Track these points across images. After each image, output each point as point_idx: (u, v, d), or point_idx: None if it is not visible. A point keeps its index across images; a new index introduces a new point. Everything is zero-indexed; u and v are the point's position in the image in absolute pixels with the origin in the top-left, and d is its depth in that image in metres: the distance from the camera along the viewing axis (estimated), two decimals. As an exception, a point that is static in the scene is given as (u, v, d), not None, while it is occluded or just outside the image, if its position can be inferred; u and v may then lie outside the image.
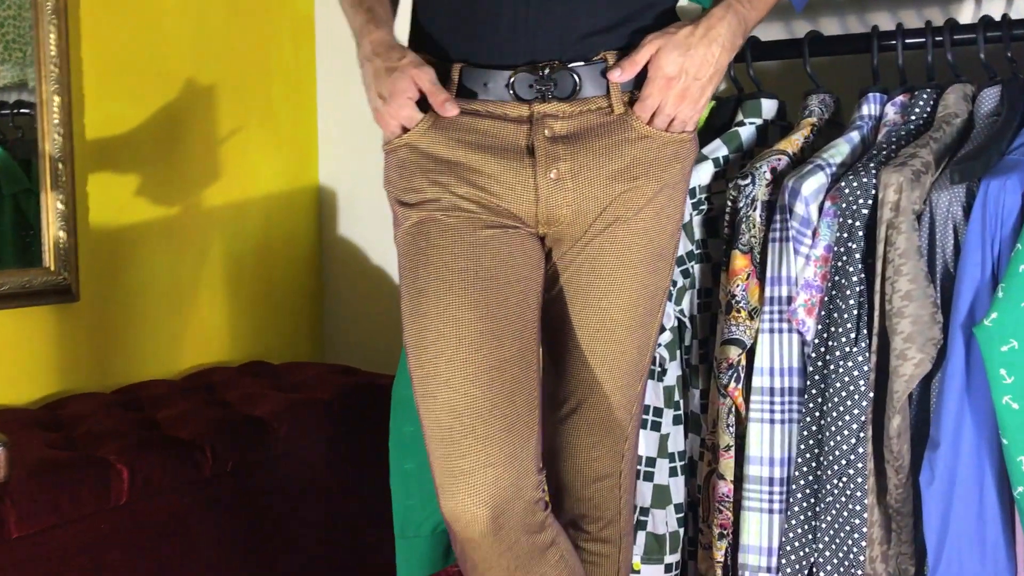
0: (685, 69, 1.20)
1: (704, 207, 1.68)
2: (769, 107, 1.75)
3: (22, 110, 2.02)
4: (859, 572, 1.48)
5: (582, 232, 1.27)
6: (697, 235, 1.69)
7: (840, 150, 1.59)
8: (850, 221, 1.50)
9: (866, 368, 1.46)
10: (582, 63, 1.22)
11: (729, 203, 1.62)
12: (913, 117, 1.59)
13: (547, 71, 1.21)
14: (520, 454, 1.14)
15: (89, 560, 1.54)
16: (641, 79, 1.23)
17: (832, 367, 1.49)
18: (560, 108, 1.22)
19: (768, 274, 1.57)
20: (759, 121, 1.74)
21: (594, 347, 1.31)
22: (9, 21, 2.00)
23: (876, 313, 1.47)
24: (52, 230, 2.06)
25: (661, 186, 1.27)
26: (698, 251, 1.69)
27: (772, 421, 1.58)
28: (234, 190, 2.50)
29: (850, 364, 1.47)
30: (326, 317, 2.76)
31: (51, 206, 2.06)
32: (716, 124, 1.78)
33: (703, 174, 1.67)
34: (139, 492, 1.62)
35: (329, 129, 2.76)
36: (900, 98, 1.64)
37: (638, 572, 1.68)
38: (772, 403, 1.58)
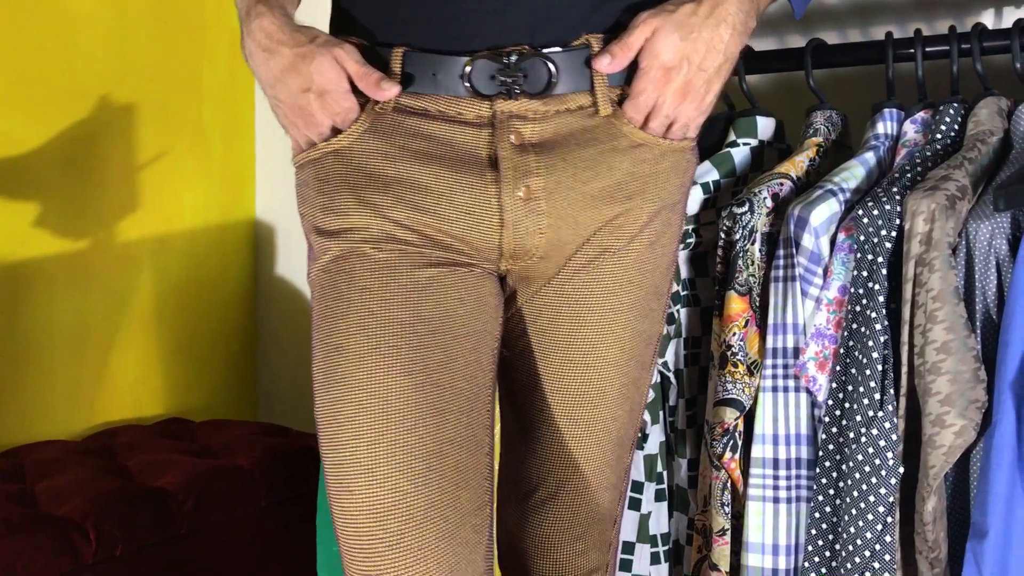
0: (687, 57, 0.93)
1: (691, 240, 1.42)
2: (765, 126, 1.50)
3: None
4: None
5: (558, 268, 0.99)
6: (683, 274, 1.42)
7: (854, 173, 1.34)
8: (870, 257, 1.24)
9: (894, 437, 1.19)
10: (559, 49, 0.95)
11: (723, 235, 1.35)
12: (939, 136, 1.34)
13: (514, 58, 0.94)
14: (465, 569, 0.86)
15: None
16: (633, 72, 0.96)
17: (851, 435, 1.21)
18: (531, 107, 0.95)
19: (771, 321, 1.30)
20: (754, 142, 1.48)
21: (577, 415, 1.02)
22: None
23: (904, 369, 1.21)
24: (-73, 264, 1.76)
25: (658, 208, 1.00)
26: (684, 292, 1.42)
27: (776, 500, 1.30)
28: (155, 222, 2.21)
29: (874, 432, 1.19)
30: (260, 368, 2.46)
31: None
32: (703, 145, 1.52)
33: (690, 202, 1.41)
34: (109, 551, 1.31)
35: (268, 156, 2.48)
36: (921, 115, 1.39)
37: None
38: (776, 477, 1.30)
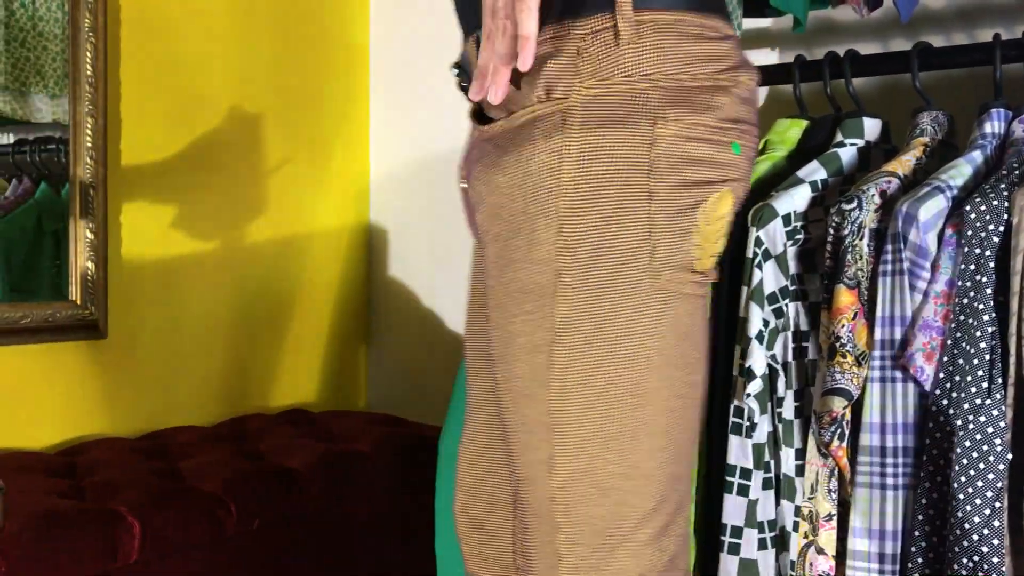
0: None
1: (799, 237, 1.47)
2: (872, 127, 1.54)
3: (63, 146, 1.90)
4: (995, 673, 1.23)
5: None
6: (792, 269, 1.47)
7: (961, 171, 1.37)
8: (978, 251, 1.27)
9: (1002, 424, 1.22)
10: None
11: (832, 231, 1.40)
12: (1048, 134, 1.37)
13: None
14: None
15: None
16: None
17: (959, 422, 1.25)
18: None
19: (879, 313, 1.35)
20: (860, 142, 1.53)
21: None
22: (48, 43, 1.89)
23: (1012, 359, 1.24)
24: (80, 261, 1.92)
25: None
26: (793, 287, 1.47)
27: (884, 487, 1.34)
28: (278, 226, 2.35)
29: (983, 419, 1.23)
30: (372, 364, 2.58)
31: (80, 235, 1.92)
32: (811, 145, 1.57)
33: (799, 199, 1.46)
34: (151, 550, 1.43)
35: (381, 165, 2.60)
36: (1030, 113, 1.42)
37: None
38: (884, 465, 1.34)
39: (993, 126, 1.44)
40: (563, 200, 0.85)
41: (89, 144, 1.91)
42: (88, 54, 1.89)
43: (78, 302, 1.92)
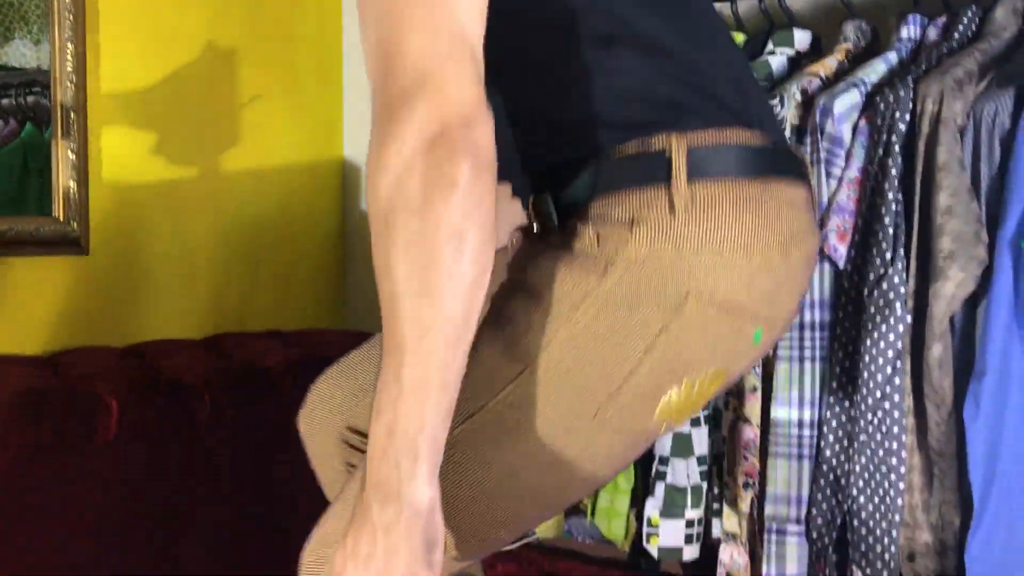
0: None
1: (730, 136, 1.58)
2: (802, 38, 1.65)
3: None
4: (896, 518, 1.35)
5: None
6: (722, 166, 1.58)
7: (876, 69, 1.48)
8: (886, 137, 1.39)
9: (902, 290, 1.34)
10: None
11: (755, 126, 1.51)
12: (956, 35, 1.48)
13: None
14: None
15: (69, 495, 1.46)
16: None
17: (866, 291, 1.37)
18: None
19: (797, 200, 1.46)
20: (791, 51, 1.64)
21: None
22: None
23: (915, 233, 1.36)
24: (62, 179, 2.02)
25: None
26: (723, 183, 1.58)
27: (802, 359, 1.46)
28: (254, 158, 2.45)
29: (884, 286, 1.35)
30: (348, 294, 2.69)
31: (62, 155, 2.01)
32: (747, 56, 1.68)
33: (728, 100, 1.57)
34: (128, 430, 1.54)
35: (355, 102, 2.70)
36: (942, 20, 1.53)
37: (656, 526, 1.55)
38: (802, 339, 1.46)
39: (909, 31, 1.55)
40: (565, 328, 0.87)
41: (69, 68, 2.01)
42: (66, -17, 1.98)
43: (61, 219, 2.02)
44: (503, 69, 0.86)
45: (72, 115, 2.02)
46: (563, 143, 0.91)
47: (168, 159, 2.27)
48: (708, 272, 0.85)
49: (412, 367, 0.76)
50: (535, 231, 0.95)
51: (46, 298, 2.02)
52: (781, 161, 0.90)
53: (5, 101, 2.15)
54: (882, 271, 1.35)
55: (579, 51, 0.88)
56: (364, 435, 1.18)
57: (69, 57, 2.00)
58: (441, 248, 0.75)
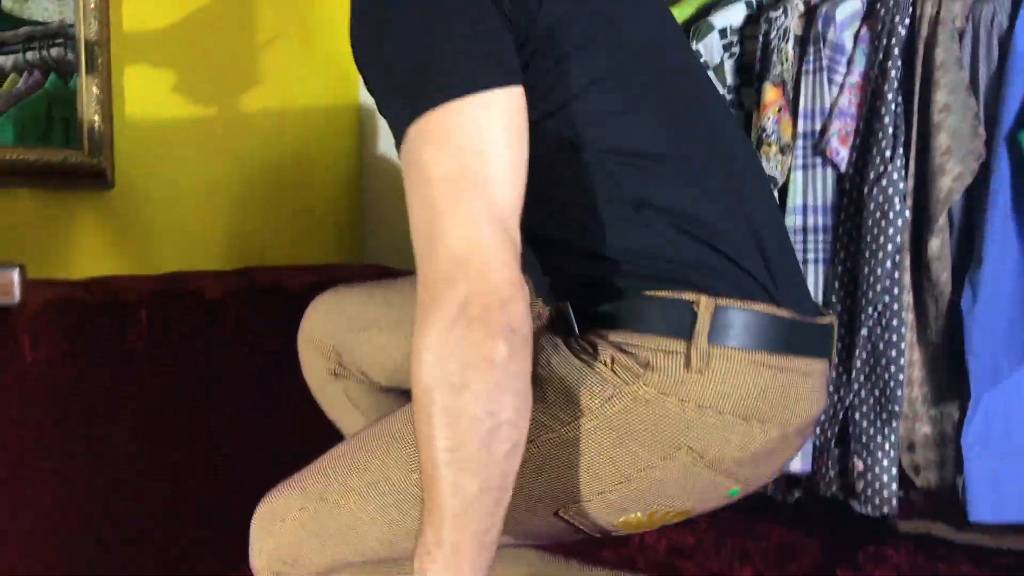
0: None
1: (735, 50, 1.62)
2: (806, -44, 1.68)
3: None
4: (896, 408, 1.39)
5: None
6: (729, 80, 1.62)
7: (878, -22, 1.52)
8: (886, 41, 1.42)
9: (901, 186, 1.38)
10: None
11: (760, 38, 1.55)
12: (957, -56, 1.51)
13: None
14: None
15: (100, 396, 1.53)
16: None
17: (866, 190, 1.41)
18: None
19: (801, 108, 1.50)
20: (795, -31, 1.67)
21: None
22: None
23: (915, 133, 1.40)
24: (87, 113, 2.08)
25: None
26: (730, 96, 1.62)
27: (806, 262, 1.51)
28: (272, 99, 2.50)
29: (884, 183, 1.39)
30: (366, 235, 2.75)
31: (87, 89, 2.07)
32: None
33: (734, 15, 1.61)
34: (157, 339, 1.60)
35: (369, 47, 2.75)
36: (944, -69, 1.56)
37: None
38: (805, 243, 1.51)
39: (910, -56, 1.58)
40: (555, 433, 0.90)
41: (92, 6, 2.06)
42: (89, -79, 2.03)
43: (86, 152, 2.08)
44: (537, 206, 0.87)
45: (96, 49, 2.08)
46: (592, 276, 0.93)
47: (189, 98, 2.32)
48: (705, 431, 0.88)
49: (453, 533, 0.82)
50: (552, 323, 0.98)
51: (74, 230, 2.08)
52: (803, 337, 0.91)
53: (30, 54, 2.22)
54: (881, 169, 1.39)
55: (611, 210, 0.90)
56: (342, 363, 1.28)
57: (93, -6, 2.05)
58: (478, 426, 0.79)
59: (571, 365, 0.91)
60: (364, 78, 0.89)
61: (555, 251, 0.95)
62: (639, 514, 0.95)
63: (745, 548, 1.84)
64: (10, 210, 1.96)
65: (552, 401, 0.91)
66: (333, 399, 1.27)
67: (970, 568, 1.72)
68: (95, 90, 2.09)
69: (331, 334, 1.27)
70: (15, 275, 1.43)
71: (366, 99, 2.75)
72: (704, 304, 0.87)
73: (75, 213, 2.07)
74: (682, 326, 0.88)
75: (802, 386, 0.91)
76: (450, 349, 0.79)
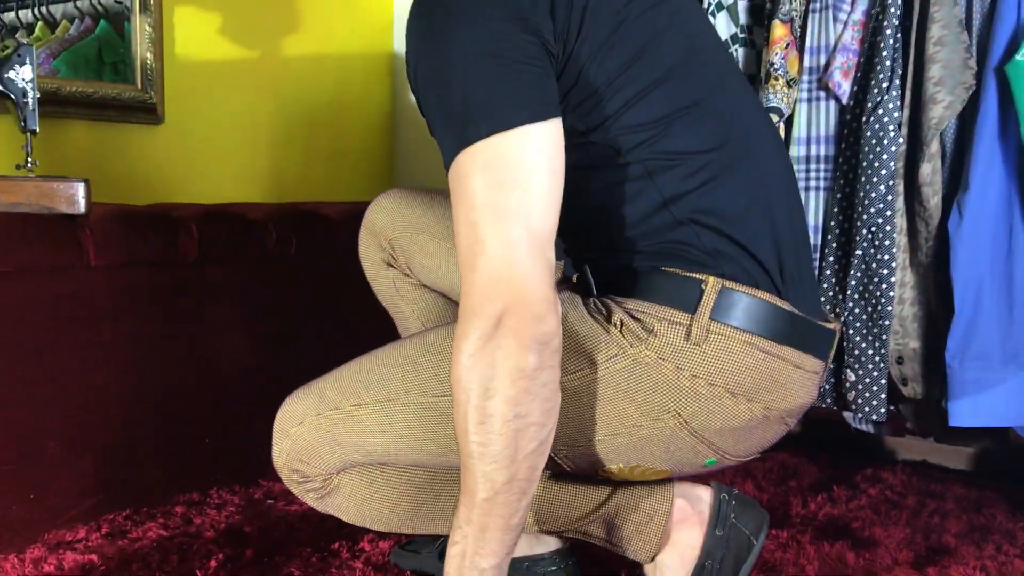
0: None
1: (748, -9, 1.72)
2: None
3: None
4: (887, 323, 1.50)
5: None
6: (742, 19, 1.72)
7: (883, -76, 1.61)
8: (888, -19, 1.52)
9: (896, 115, 1.49)
10: None
11: (771, -22, 1.65)
12: None
13: None
14: None
15: (157, 302, 1.67)
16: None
17: (864, 118, 1.51)
18: None
19: (808, 44, 1.60)
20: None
21: None
22: None
23: (911, 67, 1.50)
24: (140, 51, 2.21)
25: None
26: (742, 35, 1.73)
27: (807, 189, 1.61)
28: (310, 45, 2.63)
29: (880, 112, 1.49)
30: (397, 176, 2.88)
31: (140, 28, 2.21)
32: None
33: (748, -42, 1.71)
34: (207, 253, 1.74)
35: (404, 2, 2.86)
36: None
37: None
38: (808, 171, 1.61)
39: None
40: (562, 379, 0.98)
41: (146, -51, 2.20)
42: None
43: (139, 87, 2.22)
44: (577, 202, 0.98)
45: (149, -8, 2.21)
46: (616, 255, 1.03)
47: (233, 41, 2.46)
48: (695, 400, 0.98)
49: (483, 515, 0.94)
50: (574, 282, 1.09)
51: (126, 161, 2.23)
52: (801, 332, 1.00)
53: (81, 2, 2.36)
54: (879, 99, 1.49)
55: (641, 205, 1.00)
56: (394, 255, 1.39)
57: (146, -61, 2.18)
58: (507, 426, 0.90)
59: (584, 322, 1.01)
60: (419, 104, 0.98)
61: (586, 236, 1.05)
62: (621, 466, 1.06)
63: (749, 467, 1.96)
64: (68, 139, 2.10)
65: (563, 354, 0.99)
66: (382, 285, 1.40)
67: (960, 488, 1.83)
68: (148, 29, 2.23)
69: (391, 227, 1.37)
70: (81, 188, 1.58)
71: (400, 47, 2.87)
72: (712, 284, 0.96)
73: (127, 145, 2.22)
74: (689, 301, 0.97)
75: (792, 375, 0.99)
76: (486, 357, 0.89)
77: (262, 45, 2.52)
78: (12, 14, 2.23)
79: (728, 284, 0.97)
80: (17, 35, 2.16)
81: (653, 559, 1.16)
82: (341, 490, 1.14)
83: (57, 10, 2.27)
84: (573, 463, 1.09)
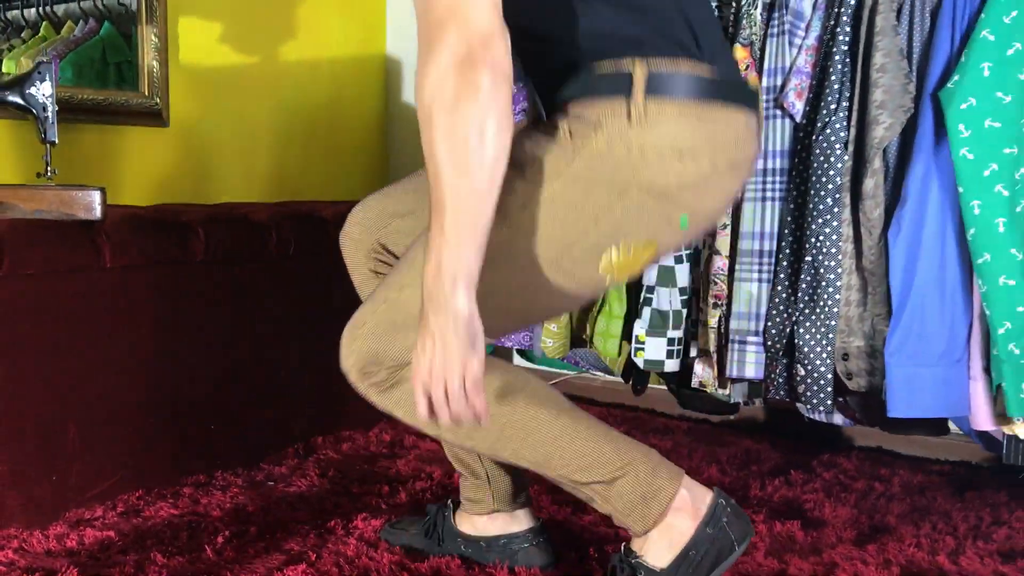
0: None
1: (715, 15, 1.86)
2: (782, -67, 1.91)
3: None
4: (833, 323, 1.65)
5: None
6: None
7: (836, -46, 1.75)
8: (838, 10, 1.66)
9: (843, 134, 1.63)
10: None
11: (733, 4, 1.79)
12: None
13: None
14: None
15: (167, 299, 1.82)
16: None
17: (814, 137, 1.66)
18: None
19: (766, 66, 1.74)
20: (771, -56, 1.90)
21: None
22: None
23: (857, 89, 1.64)
24: (147, 59, 2.35)
25: None
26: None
27: (764, 199, 1.76)
28: (308, 49, 2.76)
29: (828, 131, 1.63)
30: (391, 175, 3.02)
31: (146, 37, 2.34)
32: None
33: (713, -16, 1.84)
34: (214, 254, 1.88)
35: (396, 4, 2.99)
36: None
37: (643, 343, 1.87)
38: (764, 183, 1.76)
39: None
40: (538, 195, 1.14)
41: (152, -39, 2.32)
42: None
43: (146, 93, 2.35)
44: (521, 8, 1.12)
45: (155, 3, 2.34)
46: (555, 58, 1.18)
47: (235, 48, 2.59)
48: (648, 168, 1.12)
49: (453, 221, 1.06)
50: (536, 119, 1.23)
51: (134, 164, 2.36)
52: (729, 91, 1.15)
53: (85, 3, 2.48)
54: (827, 119, 1.64)
55: (568, 3, 1.14)
56: (388, 251, 1.48)
57: (151, -50, 2.31)
58: (468, 137, 1.03)
59: (539, 144, 1.16)
60: None
61: (537, 45, 1.18)
62: (614, 251, 1.17)
63: (715, 453, 2.12)
64: (79, 143, 2.24)
65: (531, 177, 1.15)
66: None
67: (906, 473, 1.99)
68: (154, 38, 2.36)
69: (375, 228, 1.46)
70: (97, 195, 1.72)
71: (392, 51, 3.01)
72: (638, 69, 1.10)
73: (134, 148, 2.35)
74: (622, 88, 1.10)
75: (726, 130, 1.13)
76: (444, 80, 1.02)
77: (261, 52, 2.66)
78: (17, 12, 2.36)
79: (653, 66, 1.11)
80: (23, 34, 2.29)
81: (645, 534, 1.28)
82: (403, 385, 1.23)
83: (60, 9, 2.40)
84: (575, 278, 1.19)
